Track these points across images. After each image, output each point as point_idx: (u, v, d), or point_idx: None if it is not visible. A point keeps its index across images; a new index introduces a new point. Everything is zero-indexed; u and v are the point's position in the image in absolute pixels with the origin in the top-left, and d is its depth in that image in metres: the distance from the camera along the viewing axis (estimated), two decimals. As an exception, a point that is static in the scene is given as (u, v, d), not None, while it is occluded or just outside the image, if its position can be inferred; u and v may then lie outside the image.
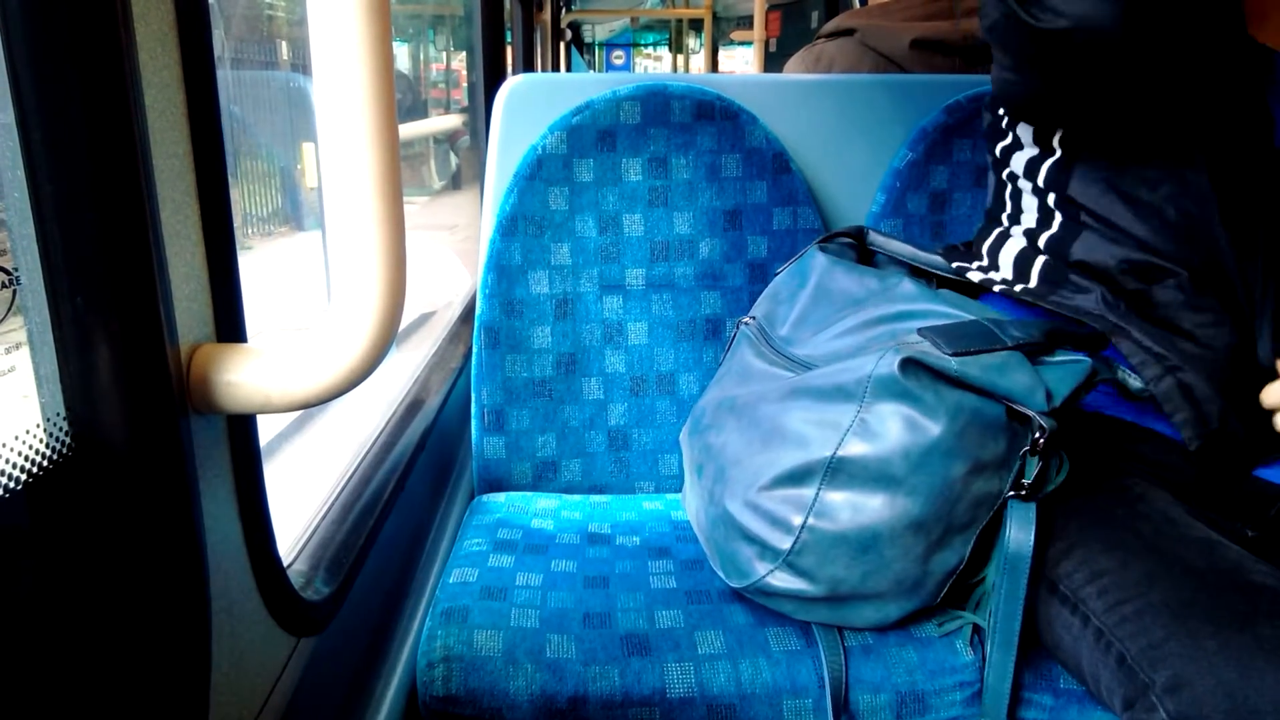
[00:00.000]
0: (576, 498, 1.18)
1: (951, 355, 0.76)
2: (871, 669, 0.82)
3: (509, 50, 2.64)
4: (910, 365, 0.77)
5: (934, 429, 0.77)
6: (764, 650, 0.83)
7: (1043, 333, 0.81)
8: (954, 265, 1.00)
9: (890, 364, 0.77)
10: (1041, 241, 0.92)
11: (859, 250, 1.08)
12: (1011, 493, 0.79)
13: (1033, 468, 0.78)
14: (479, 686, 0.79)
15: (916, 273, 1.03)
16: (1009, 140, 0.97)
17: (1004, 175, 0.98)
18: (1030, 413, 0.77)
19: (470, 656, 0.81)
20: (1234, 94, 0.80)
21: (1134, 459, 0.88)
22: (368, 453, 0.97)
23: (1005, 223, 0.99)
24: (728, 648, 0.83)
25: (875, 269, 1.00)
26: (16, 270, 0.40)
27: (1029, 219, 0.95)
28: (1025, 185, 0.95)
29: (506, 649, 0.82)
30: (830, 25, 1.65)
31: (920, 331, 0.81)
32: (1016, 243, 0.95)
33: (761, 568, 0.83)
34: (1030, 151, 0.94)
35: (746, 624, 0.87)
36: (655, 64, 11.84)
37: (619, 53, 10.84)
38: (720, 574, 0.90)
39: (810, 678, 0.81)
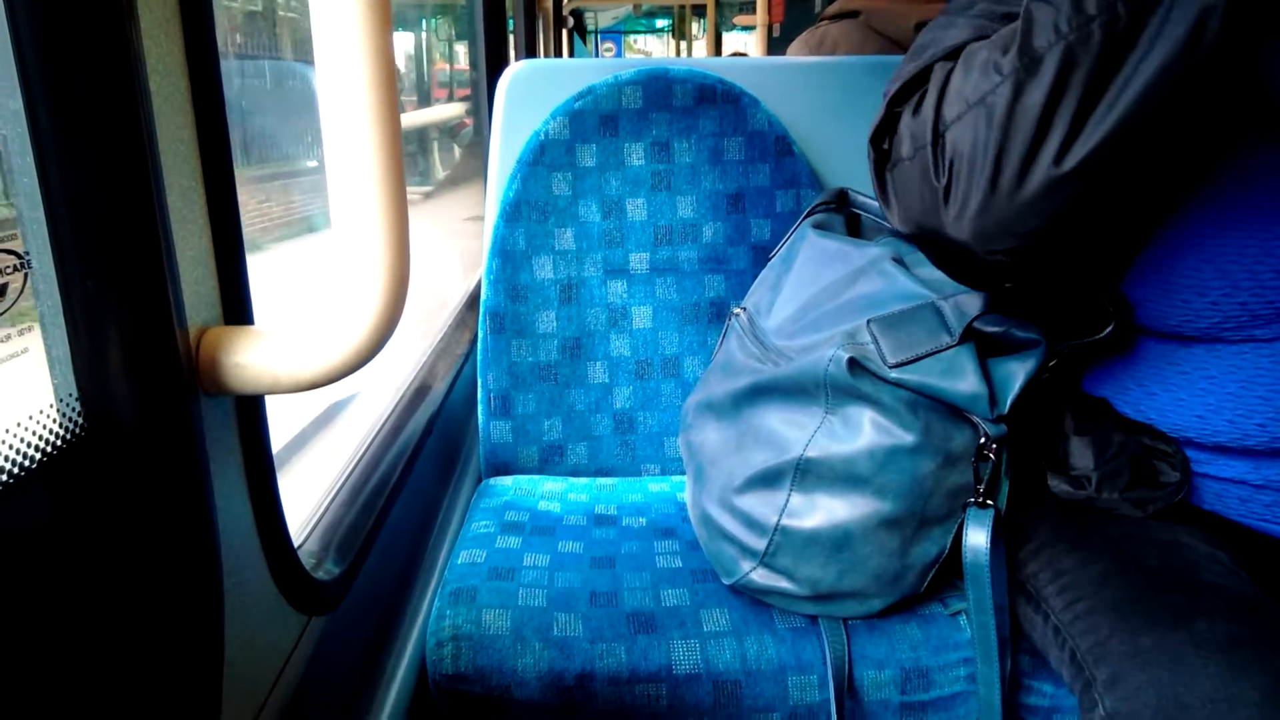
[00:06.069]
0: (583, 480, 1.19)
1: (891, 366, 0.75)
2: (875, 645, 0.83)
3: (511, 38, 2.63)
4: (857, 366, 0.76)
5: (897, 430, 0.76)
6: (769, 627, 0.84)
7: (984, 302, 0.75)
8: None
9: (840, 365, 0.77)
10: None
11: (847, 216, 1.05)
12: (972, 499, 0.79)
13: (985, 472, 0.77)
14: (487, 664, 0.80)
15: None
16: None
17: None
18: (975, 419, 0.76)
19: (479, 635, 0.82)
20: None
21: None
22: (376, 436, 0.98)
23: None
24: (733, 625, 0.84)
25: (862, 239, 0.95)
26: (28, 253, 0.40)
27: None
28: None
29: (514, 628, 0.83)
30: (834, 8, 1.65)
31: (870, 325, 0.78)
32: None
33: (745, 565, 0.85)
34: None
35: (751, 602, 0.88)
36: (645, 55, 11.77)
37: (608, 44, 10.78)
38: (714, 569, 0.92)
39: (815, 654, 0.82)
